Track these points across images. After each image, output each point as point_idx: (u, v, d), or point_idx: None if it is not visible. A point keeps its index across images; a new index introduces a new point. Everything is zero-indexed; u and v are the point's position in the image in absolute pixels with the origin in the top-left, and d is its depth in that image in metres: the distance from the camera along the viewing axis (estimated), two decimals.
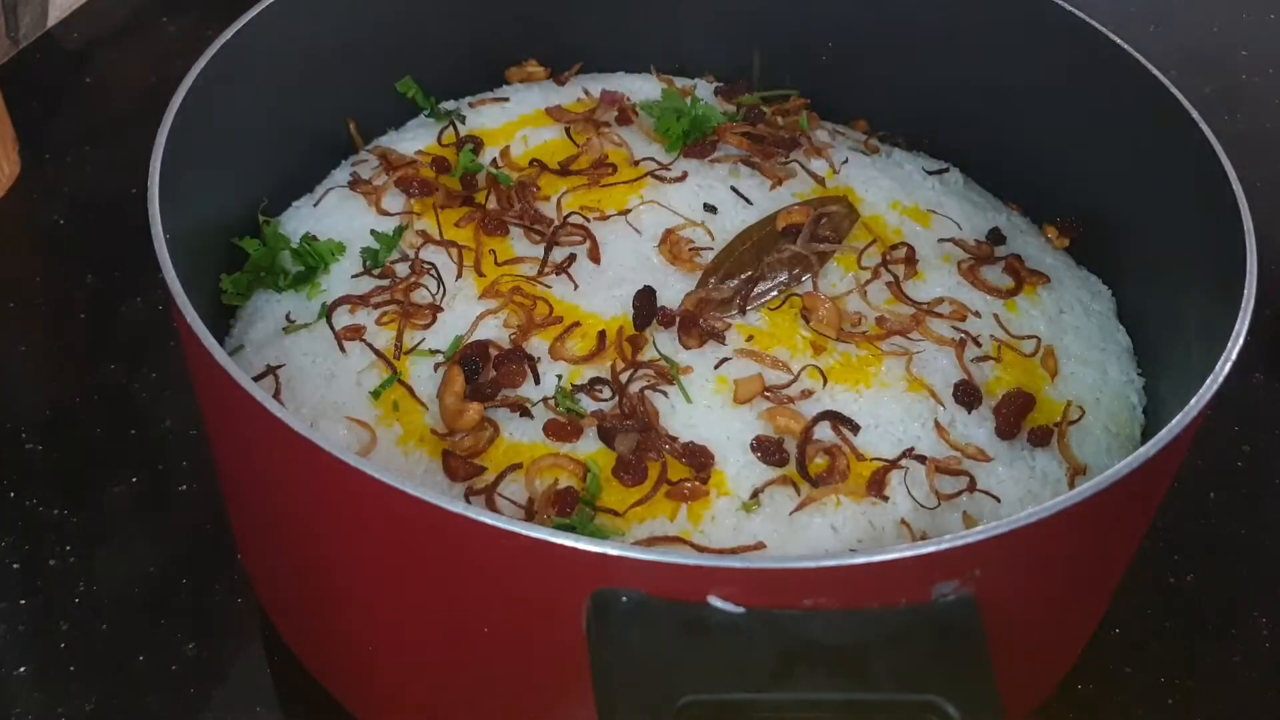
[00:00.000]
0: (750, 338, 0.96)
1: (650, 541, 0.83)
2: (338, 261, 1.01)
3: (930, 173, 1.14)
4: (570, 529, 0.81)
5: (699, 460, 0.87)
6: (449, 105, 1.18)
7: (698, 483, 0.86)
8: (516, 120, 1.16)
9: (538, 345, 0.95)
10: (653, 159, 1.11)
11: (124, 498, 1.10)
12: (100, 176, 1.39)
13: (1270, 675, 1.03)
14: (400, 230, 1.03)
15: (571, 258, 1.02)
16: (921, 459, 0.90)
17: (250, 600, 1.03)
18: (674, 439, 0.88)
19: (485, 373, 0.92)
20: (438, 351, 0.94)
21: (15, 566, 1.04)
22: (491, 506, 0.85)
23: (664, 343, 0.95)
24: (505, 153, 1.11)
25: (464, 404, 0.88)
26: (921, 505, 0.87)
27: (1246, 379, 1.25)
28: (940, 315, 1.00)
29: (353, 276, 1.00)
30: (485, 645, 0.75)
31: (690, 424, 0.90)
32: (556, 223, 1.04)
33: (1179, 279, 0.97)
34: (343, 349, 0.94)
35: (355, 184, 1.08)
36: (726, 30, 1.24)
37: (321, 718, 0.96)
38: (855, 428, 0.91)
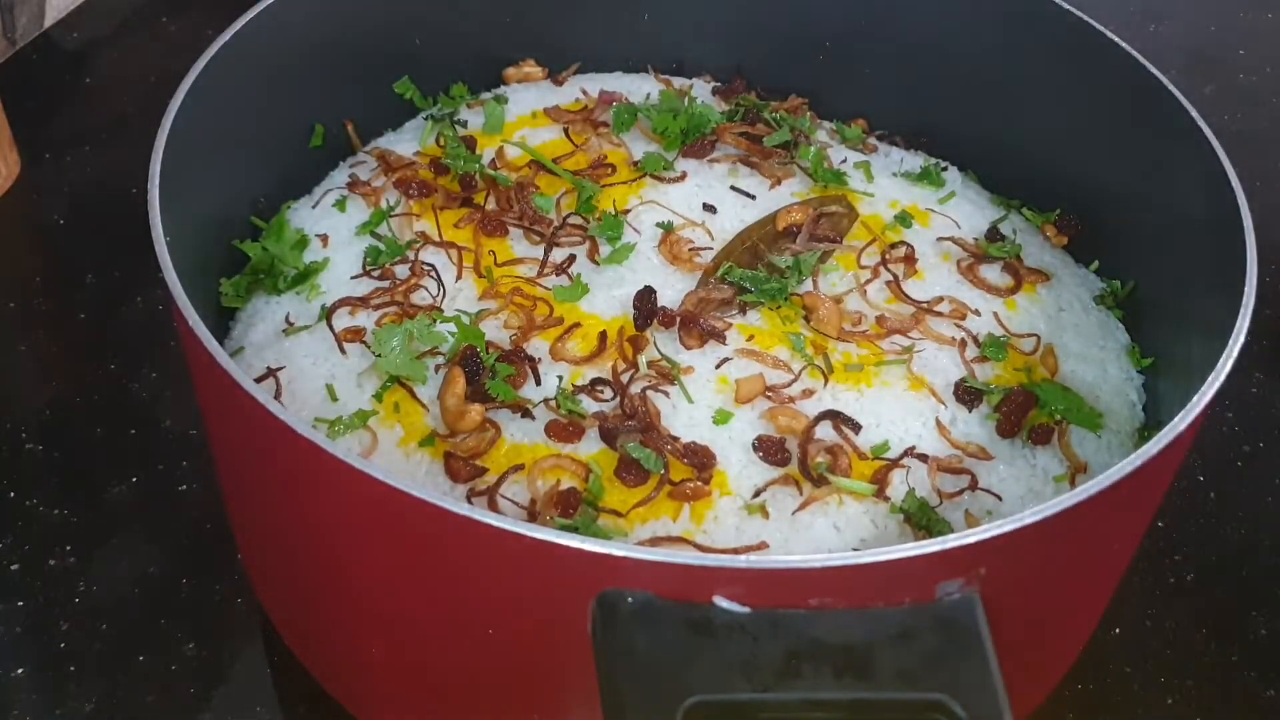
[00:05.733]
0: (751, 337, 0.96)
1: (653, 542, 0.83)
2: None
3: (929, 171, 1.14)
4: (573, 530, 0.81)
5: (700, 460, 0.87)
6: (447, 106, 1.18)
7: (700, 483, 0.86)
8: (514, 121, 1.16)
9: (538, 346, 0.95)
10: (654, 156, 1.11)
11: (124, 498, 1.10)
12: (100, 176, 1.39)
13: (1270, 675, 1.03)
14: (382, 214, 1.03)
15: (571, 258, 1.02)
16: (923, 457, 0.90)
17: (250, 600, 1.03)
18: (675, 439, 0.88)
19: (486, 374, 0.92)
20: (439, 353, 0.94)
21: (15, 567, 1.04)
22: (493, 508, 0.85)
23: (664, 343, 0.95)
24: (502, 153, 1.11)
25: (465, 405, 0.88)
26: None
27: (1246, 379, 1.26)
28: (940, 314, 1.00)
29: (352, 278, 1.00)
30: (489, 647, 0.74)
31: (692, 424, 0.90)
32: (556, 223, 1.04)
33: (1179, 278, 0.98)
34: (343, 350, 0.94)
35: (354, 185, 1.08)
36: (724, 30, 1.24)
37: (321, 718, 0.96)
38: (857, 427, 0.91)
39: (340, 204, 1.06)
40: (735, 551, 0.83)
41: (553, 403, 0.90)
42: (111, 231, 1.32)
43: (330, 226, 1.05)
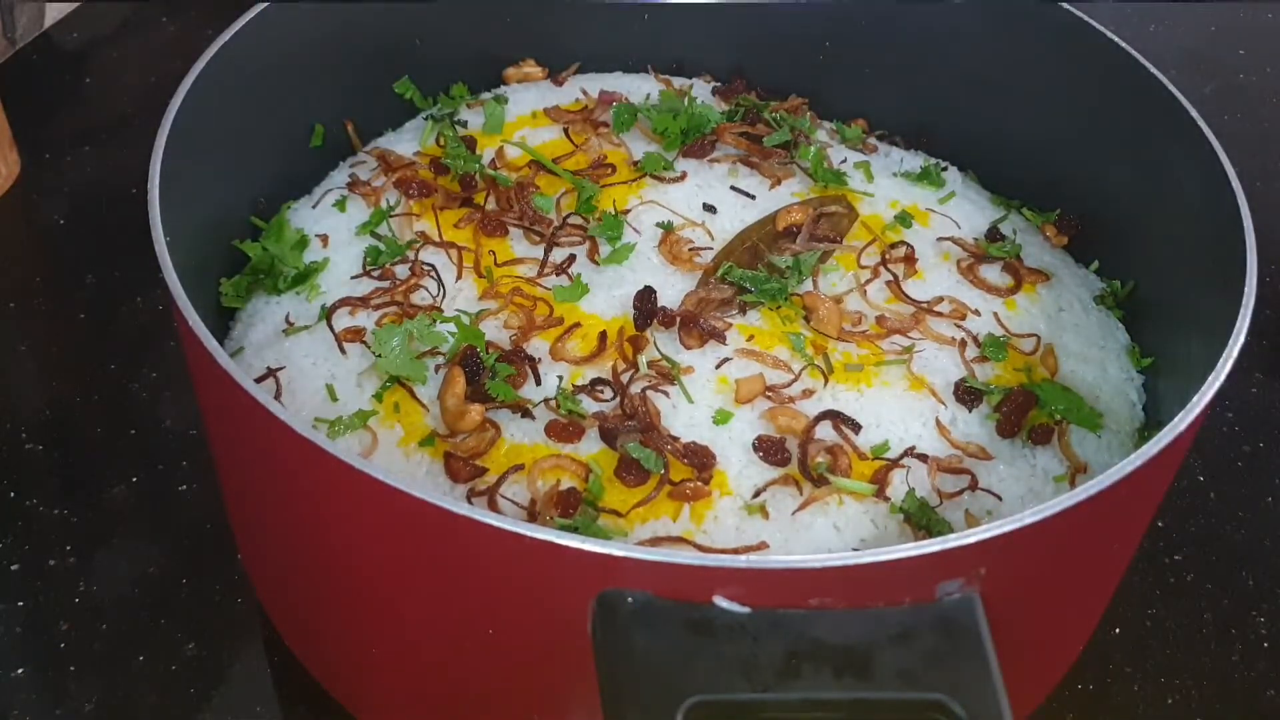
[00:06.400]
0: (751, 337, 0.96)
1: (653, 542, 0.83)
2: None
3: (929, 171, 1.13)
4: (573, 530, 0.81)
5: (700, 460, 0.87)
6: (447, 106, 1.18)
7: (700, 483, 0.86)
8: (514, 121, 1.16)
9: (538, 346, 0.95)
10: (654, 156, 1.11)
11: (124, 498, 1.10)
12: (100, 176, 1.39)
13: (1270, 675, 1.03)
14: (382, 214, 1.03)
15: (571, 258, 1.02)
16: (923, 457, 0.90)
17: (250, 600, 1.03)
18: (675, 439, 0.88)
19: (486, 374, 0.92)
20: (439, 352, 0.94)
21: (15, 567, 1.04)
22: (493, 508, 0.85)
23: (664, 343, 0.95)
24: (502, 153, 1.11)
25: (465, 405, 0.88)
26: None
27: (1246, 379, 1.26)
28: (940, 314, 1.00)
29: (352, 278, 1.00)
30: (489, 647, 0.74)
31: (692, 424, 0.90)
32: (556, 223, 1.04)
33: (1179, 278, 0.98)
34: (343, 350, 0.94)
35: (354, 185, 1.08)
36: (724, 30, 1.24)
37: (321, 718, 0.96)
38: (856, 427, 0.91)
39: (340, 204, 1.06)
40: (735, 551, 0.83)
41: (553, 403, 0.90)
42: (111, 231, 1.32)
43: (330, 226, 1.05)
